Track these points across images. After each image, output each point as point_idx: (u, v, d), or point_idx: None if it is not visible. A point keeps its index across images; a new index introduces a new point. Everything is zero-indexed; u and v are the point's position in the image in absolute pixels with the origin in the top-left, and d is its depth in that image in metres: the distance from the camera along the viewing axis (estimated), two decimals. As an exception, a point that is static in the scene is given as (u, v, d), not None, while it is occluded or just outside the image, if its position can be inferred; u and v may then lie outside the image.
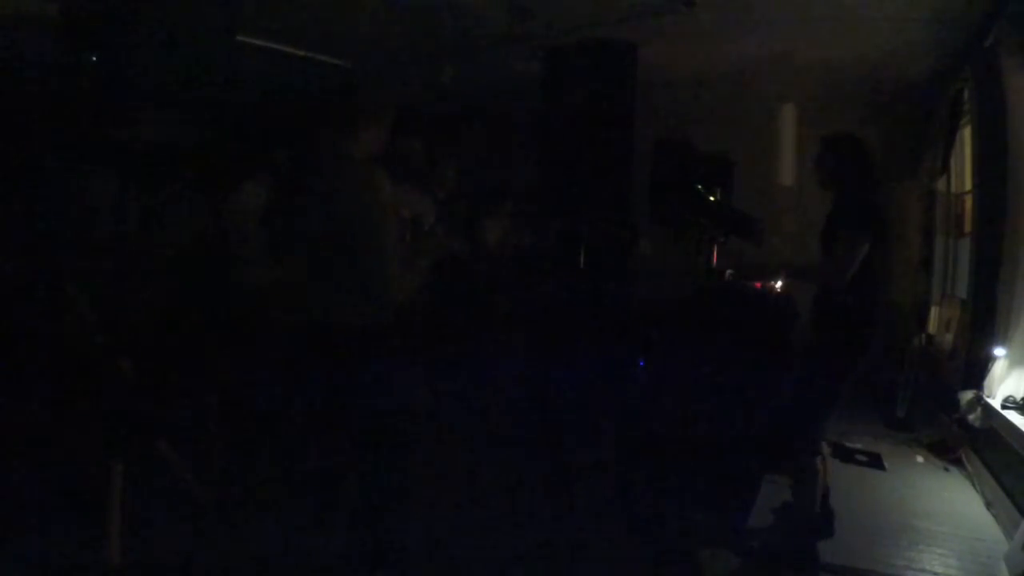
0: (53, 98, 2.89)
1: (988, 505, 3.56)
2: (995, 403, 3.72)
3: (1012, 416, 3.51)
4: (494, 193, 5.00)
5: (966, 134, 4.86)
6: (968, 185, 4.78)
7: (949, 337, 4.94)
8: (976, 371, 3.93)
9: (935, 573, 2.84)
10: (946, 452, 4.26)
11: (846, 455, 4.26)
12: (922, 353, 5.02)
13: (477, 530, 3.04)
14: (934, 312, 5.48)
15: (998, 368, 3.82)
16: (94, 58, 2.49)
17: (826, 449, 4.21)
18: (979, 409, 3.84)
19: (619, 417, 4.26)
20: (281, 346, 2.71)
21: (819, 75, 5.38)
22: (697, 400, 4.12)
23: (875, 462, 4.19)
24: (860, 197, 2.85)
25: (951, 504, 3.62)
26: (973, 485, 3.85)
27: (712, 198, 4.30)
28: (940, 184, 5.46)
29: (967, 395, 3.93)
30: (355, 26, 4.65)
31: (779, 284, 4.37)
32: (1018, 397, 3.62)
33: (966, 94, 4.67)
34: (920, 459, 4.28)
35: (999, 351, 3.81)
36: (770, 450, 3.14)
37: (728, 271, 4.49)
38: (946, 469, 4.12)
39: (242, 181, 3.98)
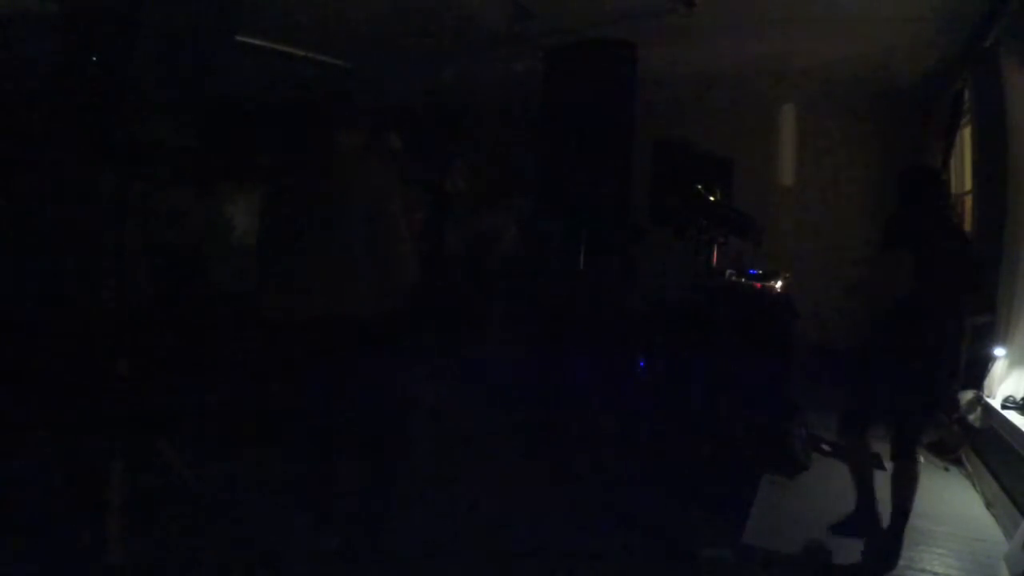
0: (52, 97, 2.88)
1: (988, 505, 3.56)
2: (995, 403, 3.72)
3: (1012, 416, 3.51)
4: (494, 193, 5.00)
5: (966, 134, 4.86)
6: (968, 185, 4.78)
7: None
8: (976, 371, 3.93)
9: (935, 573, 2.84)
10: (946, 452, 4.25)
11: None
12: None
13: (475, 529, 3.03)
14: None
15: (998, 368, 3.82)
16: (94, 58, 2.49)
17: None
18: (979, 409, 3.84)
19: (619, 417, 4.26)
20: (280, 342, 2.70)
21: (819, 75, 5.38)
22: (696, 400, 4.12)
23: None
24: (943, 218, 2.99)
25: (951, 504, 3.61)
26: (973, 485, 3.85)
27: (712, 198, 4.31)
28: (940, 184, 5.45)
29: (967, 395, 3.92)
30: (354, 26, 4.65)
31: (779, 284, 4.38)
32: (1018, 397, 3.62)
33: (966, 94, 4.66)
34: (920, 459, 4.28)
35: (999, 351, 3.81)
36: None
37: (728, 271, 4.50)
38: (946, 469, 4.12)
39: (241, 179, 3.98)
